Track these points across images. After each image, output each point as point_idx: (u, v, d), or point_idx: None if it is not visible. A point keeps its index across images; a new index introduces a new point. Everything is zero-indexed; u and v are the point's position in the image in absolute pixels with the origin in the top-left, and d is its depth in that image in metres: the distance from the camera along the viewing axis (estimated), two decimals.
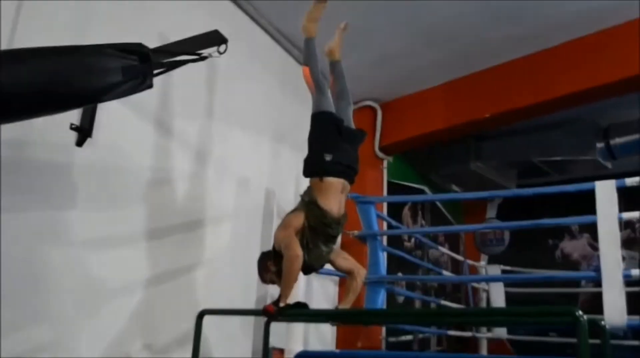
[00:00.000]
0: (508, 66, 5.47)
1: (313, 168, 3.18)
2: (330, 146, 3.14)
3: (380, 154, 6.33)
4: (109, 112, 3.17)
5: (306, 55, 3.47)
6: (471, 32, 5.03)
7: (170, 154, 3.79)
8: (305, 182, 3.23)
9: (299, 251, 2.91)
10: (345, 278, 3.42)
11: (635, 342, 6.05)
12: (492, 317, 3.61)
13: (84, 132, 3.01)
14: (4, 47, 2.64)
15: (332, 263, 3.25)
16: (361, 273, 3.26)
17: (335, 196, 3.09)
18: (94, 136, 3.08)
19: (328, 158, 3.10)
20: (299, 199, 3.20)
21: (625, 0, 4.49)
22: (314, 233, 3.03)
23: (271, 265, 3.12)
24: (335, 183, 3.10)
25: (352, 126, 3.38)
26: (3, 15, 2.68)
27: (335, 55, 3.59)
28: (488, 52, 5.36)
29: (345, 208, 3.20)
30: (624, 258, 4.16)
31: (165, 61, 2.55)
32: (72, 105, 2.38)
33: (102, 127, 3.15)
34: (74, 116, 2.98)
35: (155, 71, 2.41)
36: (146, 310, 3.41)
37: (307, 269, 3.16)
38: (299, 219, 3.04)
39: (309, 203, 3.07)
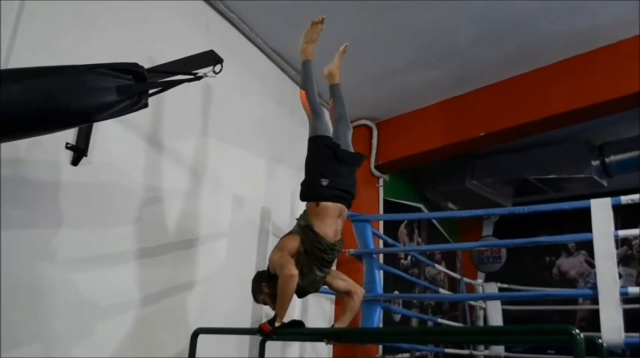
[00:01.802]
0: (503, 84, 5.50)
1: (309, 192, 3.17)
2: (327, 170, 3.14)
3: (376, 173, 6.34)
4: (104, 131, 3.18)
5: (303, 78, 3.46)
6: (466, 51, 5.06)
7: (166, 173, 3.78)
8: (302, 203, 3.23)
9: (293, 271, 2.90)
10: (342, 296, 3.41)
11: None
12: (489, 335, 3.60)
13: (79, 151, 3.02)
14: (6, 40, 2.66)
15: (329, 285, 3.23)
16: (359, 292, 3.25)
17: (331, 221, 3.08)
18: (89, 155, 3.08)
19: (324, 183, 3.09)
20: (294, 218, 3.21)
21: (617, 20, 4.53)
22: (308, 257, 3.02)
23: (265, 287, 3.11)
24: (332, 208, 3.09)
25: (351, 149, 3.37)
26: (5, 10, 2.70)
27: (335, 78, 3.60)
28: (483, 71, 5.39)
29: (343, 232, 3.19)
30: (620, 276, 4.17)
31: (160, 80, 2.56)
32: (68, 124, 2.39)
33: (98, 146, 3.16)
34: (70, 135, 2.99)
35: (151, 91, 2.41)
36: (141, 329, 3.39)
37: (301, 293, 3.15)
38: (295, 243, 3.04)
39: (304, 228, 3.06)
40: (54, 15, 3.03)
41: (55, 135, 2.56)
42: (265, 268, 3.18)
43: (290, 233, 3.15)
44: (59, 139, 2.90)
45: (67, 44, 3.07)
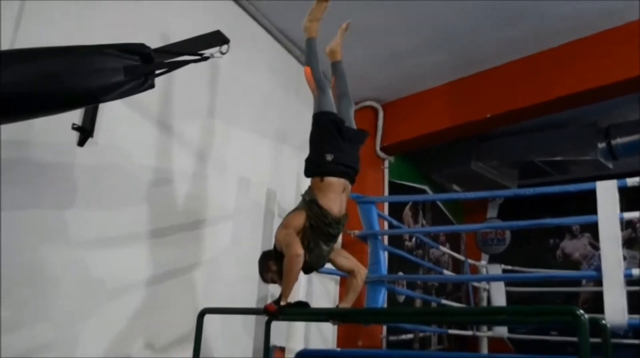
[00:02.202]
0: (509, 66, 5.48)
1: (314, 168, 3.19)
2: (331, 146, 3.15)
3: (382, 154, 6.34)
4: (110, 112, 3.18)
5: (307, 55, 3.49)
6: (473, 33, 5.03)
7: (171, 154, 3.79)
8: (306, 182, 3.24)
9: (299, 250, 2.92)
10: (346, 277, 3.43)
11: (636, 341, 6.05)
12: (492, 315, 3.62)
13: (85, 132, 3.02)
14: (7, 40, 2.66)
15: (333, 262, 3.25)
16: (362, 272, 3.27)
17: (336, 196, 3.10)
18: (95, 136, 3.09)
19: (329, 158, 3.11)
20: (299, 199, 3.22)
21: (625, 1, 4.49)
22: (314, 232, 3.04)
23: (272, 265, 3.13)
24: (336, 183, 3.11)
25: (354, 126, 3.39)
26: (6, 9, 2.69)
27: (337, 55, 3.60)
28: (489, 53, 5.36)
29: (347, 208, 3.21)
30: (624, 258, 4.17)
31: (167, 61, 2.56)
32: (74, 105, 2.39)
33: (104, 127, 3.16)
34: (76, 115, 3.00)
35: (157, 71, 2.41)
36: (147, 310, 3.42)
37: (308, 268, 3.17)
38: (300, 219, 3.05)
39: (309, 203, 3.08)
40: (55, 8, 3.01)
41: (61, 116, 2.56)
42: (271, 248, 3.20)
43: (296, 209, 3.17)
44: (65, 120, 2.91)
45: (70, 27, 3.06)
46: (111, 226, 3.25)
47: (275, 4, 4.64)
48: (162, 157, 3.70)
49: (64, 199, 2.99)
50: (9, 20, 2.72)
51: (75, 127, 2.98)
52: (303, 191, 3.23)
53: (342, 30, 3.62)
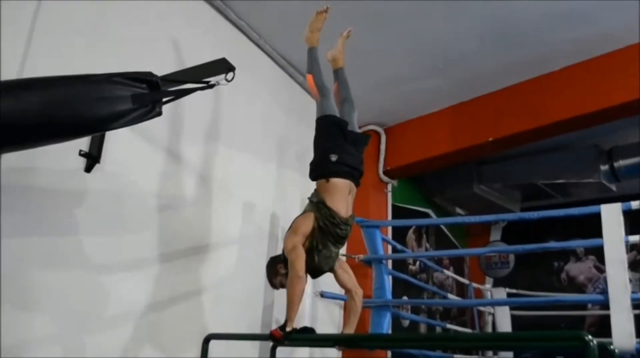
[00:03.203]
0: (510, 90, 5.51)
1: (319, 169, 3.25)
2: (335, 147, 3.23)
3: (385, 178, 6.34)
4: (117, 138, 3.20)
5: (309, 63, 3.58)
6: (473, 58, 5.08)
7: (177, 180, 3.81)
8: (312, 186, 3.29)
9: (301, 272, 2.95)
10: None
11: None
12: (499, 341, 3.59)
13: (92, 158, 3.04)
14: (14, 70, 2.70)
15: (335, 274, 3.30)
16: (359, 293, 3.30)
17: (342, 197, 3.16)
18: (102, 163, 3.11)
19: (333, 158, 3.18)
20: (307, 201, 3.26)
21: (624, 26, 4.53)
22: (323, 233, 3.09)
23: (281, 268, 3.17)
24: (342, 184, 3.17)
25: (357, 130, 3.47)
26: (14, 38, 2.74)
27: (339, 62, 3.68)
28: (490, 77, 5.40)
29: (353, 214, 3.26)
30: (630, 281, 4.16)
31: (173, 89, 2.58)
32: (82, 133, 2.42)
33: (110, 153, 3.19)
34: (83, 142, 3.02)
35: (164, 99, 2.44)
36: (152, 335, 3.41)
37: (316, 271, 3.19)
38: (309, 223, 3.10)
39: (317, 204, 3.13)
40: (67, 23, 3.06)
41: (68, 143, 2.58)
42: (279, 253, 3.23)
43: (304, 212, 3.20)
44: (72, 147, 2.93)
45: (79, 52, 3.10)
46: (117, 252, 3.25)
47: (277, 30, 4.69)
48: (167, 183, 3.72)
49: (70, 225, 3.00)
50: (17, 49, 2.76)
51: (82, 154, 3.00)
52: (309, 195, 3.27)
53: (342, 37, 3.71)
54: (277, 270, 3.21)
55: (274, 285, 3.30)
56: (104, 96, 2.18)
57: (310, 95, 3.50)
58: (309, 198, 3.26)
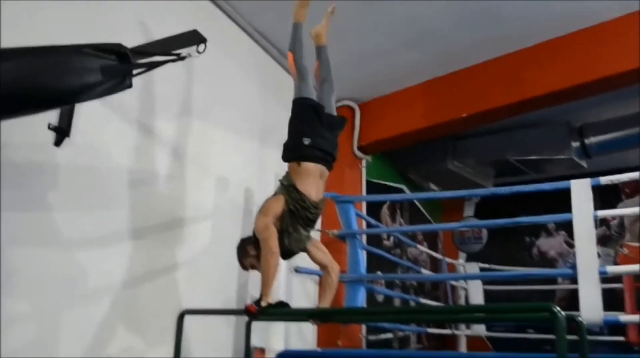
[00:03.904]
0: (485, 66, 5.53)
1: (291, 152, 3.25)
2: (309, 131, 3.21)
3: (359, 154, 6.34)
4: (87, 112, 3.14)
5: (292, 40, 3.52)
6: (449, 33, 5.07)
7: (150, 155, 3.77)
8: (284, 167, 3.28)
9: (275, 248, 2.96)
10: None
11: (611, 338, 6.16)
12: (470, 313, 3.65)
13: (62, 132, 2.97)
14: None
15: (308, 253, 3.30)
16: (335, 269, 3.31)
17: (313, 181, 3.16)
18: (72, 137, 3.05)
19: (306, 142, 3.17)
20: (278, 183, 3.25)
21: (599, 2, 4.56)
22: (293, 217, 3.09)
23: (251, 249, 3.18)
24: (313, 168, 3.17)
25: (334, 112, 3.46)
26: None
27: (322, 39, 3.63)
28: (465, 52, 5.40)
29: (324, 198, 3.27)
30: (599, 256, 4.23)
31: (144, 61, 2.54)
32: (51, 105, 2.36)
33: (81, 127, 3.12)
34: (52, 116, 2.95)
35: (135, 71, 2.39)
36: (127, 310, 3.39)
37: (288, 253, 3.20)
38: (279, 205, 3.09)
39: (288, 187, 3.13)
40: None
41: (37, 116, 2.53)
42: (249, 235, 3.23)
43: (274, 194, 3.19)
44: (41, 121, 2.86)
45: (47, 23, 3.02)
46: (89, 227, 3.22)
47: (252, 4, 4.62)
48: (140, 157, 3.68)
49: (41, 200, 2.95)
50: None
51: (51, 128, 2.93)
52: (281, 177, 3.26)
53: (327, 14, 3.65)
54: (248, 252, 3.21)
55: (245, 266, 3.30)
56: (73, 67, 2.14)
57: (289, 73, 3.45)
58: (280, 180, 3.25)
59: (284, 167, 3.35)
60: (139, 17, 3.72)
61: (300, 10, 3.52)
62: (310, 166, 3.16)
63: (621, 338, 6.08)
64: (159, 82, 3.74)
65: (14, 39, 2.34)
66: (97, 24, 3.34)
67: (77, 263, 3.10)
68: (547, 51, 5.14)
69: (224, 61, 4.52)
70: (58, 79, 2.12)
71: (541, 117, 6.39)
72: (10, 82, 2.01)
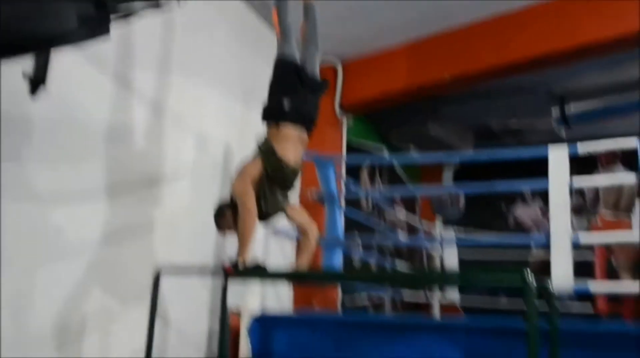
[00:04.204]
0: (470, 27, 5.50)
1: (271, 113, 3.20)
2: (290, 93, 3.17)
3: (340, 114, 6.27)
4: (64, 63, 3.05)
5: None
6: None
7: (128, 108, 3.69)
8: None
9: (252, 206, 2.96)
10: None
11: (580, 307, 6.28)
12: (445, 279, 3.69)
13: (37, 81, 2.89)
14: None
15: (287, 215, 3.28)
16: (314, 231, 3.31)
17: (291, 145, 3.13)
18: (48, 87, 2.96)
19: (286, 104, 3.12)
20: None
21: None
22: (271, 181, 3.08)
23: (228, 213, 3.14)
24: (292, 132, 3.13)
25: (317, 72, 3.38)
26: None
27: None
28: (451, 12, 5.34)
29: (302, 163, 3.24)
30: (572, 225, 4.28)
31: (122, 6, 2.45)
32: (25, 51, 2.28)
33: (57, 78, 3.03)
34: (26, 64, 2.87)
35: (112, 17, 2.31)
36: (103, 267, 3.37)
37: (265, 216, 3.18)
38: (256, 168, 3.07)
39: (266, 152, 3.10)
40: None
41: (11, 65, 2.45)
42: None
43: (252, 158, 3.16)
44: (15, 69, 2.78)
45: None
46: (64, 182, 3.17)
47: None
48: (117, 111, 3.60)
49: (13, 152, 2.88)
50: None
51: (26, 76, 2.85)
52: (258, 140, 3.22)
53: None
54: (225, 215, 3.18)
55: (221, 227, 3.27)
56: (47, 12, 2.05)
57: (274, 30, 3.38)
58: (257, 145, 3.20)
59: (264, 126, 3.31)
60: None
61: None
62: (289, 130, 3.12)
63: (590, 309, 6.19)
64: (137, 35, 3.65)
65: None
66: None
67: (51, 219, 3.05)
68: (532, 15, 5.11)
69: (206, 16, 4.43)
70: (33, 24, 2.04)
71: (523, 84, 6.39)
72: None
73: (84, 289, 3.24)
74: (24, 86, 2.83)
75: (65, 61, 2.99)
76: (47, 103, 2.97)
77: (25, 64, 2.80)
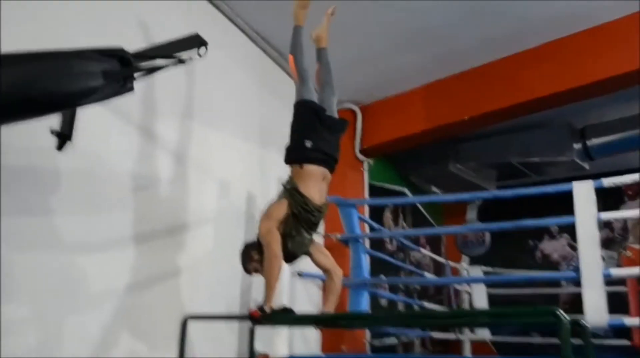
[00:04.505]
0: (486, 68, 5.53)
1: (293, 155, 3.25)
2: (311, 133, 3.21)
3: (361, 157, 6.34)
4: (89, 117, 3.13)
5: (293, 43, 3.52)
6: (450, 34, 5.06)
7: (151, 158, 3.76)
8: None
9: (278, 252, 2.96)
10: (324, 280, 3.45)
11: (617, 342, 6.12)
12: (475, 317, 3.63)
13: (64, 136, 2.97)
14: None
15: (311, 257, 3.29)
16: (338, 273, 3.30)
17: (316, 184, 3.16)
18: (74, 141, 3.04)
19: (308, 144, 3.17)
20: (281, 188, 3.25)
21: (600, 1, 4.56)
22: (296, 220, 3.09)
23: (255, 254, 3.16)
24: (316, 171, 3.16)
25: (336, 115, 3.44)
26: None
27: (322, 42, 3.63)
28: (467, 54, 5.40)
29: (327, 201, 3.27)
30: (603, 259, 4.21)
31: (145, 64, 2.53)
32: (52, 110, 2.35)
33: (83, 132, 3.11)
34: (54, 120, 2.95)
35: (136, 75, 2.39)
36: (129, 315, 3.38)
37: (290, 256, 3.19)
38: (282, 209, 3.08)
39: (290, 190, 3.12)
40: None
41: (39, 121, 2.52)
42: (253, 240, 3.23)
43: (278, 198, 3.19)
44: (43, 125, 2.86)
45: (48, 28, 3.02)
46: (91, 232, 3.21)
47: (251, 5, 4.62)
48: (142, 161, 3.67)
49: (43, 205, 2.94)
50: None
51: (53, 132, 2.93)
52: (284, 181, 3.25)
53: (327, 15, 3.65)
54: (251, 256, 3.20)
55: (248, 271, 3.29)
56: (74, 71, 2.12)
57: (290, 76, 3.45)
58: (282, 184, 3.24)
59: (286, 171, 3.35)
60: (135, 18, 3.71)
61: (299, 13, 3.52)
62: (313, 169, 3.16)
63: (627, 342, 6.04)
64: (159, 85, 3.73)
65: (15, 43, 2.34)
66: (97, 27, 3.33)
67: (79, 268, 3.08)
68: (548, 52, 5.13)
69: (224, 63, 4.52)
70: (60, 83, 2.11)
71: (543, 119, 6.38)
72: (11, 87, 2.00)
73: (111, 336, 3.24)
74: (52, 141, 2.92)
75: (90, 114, 3.07)
76: (73, 155, 3.04)
77: (52, 120, 2.90)
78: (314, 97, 3.40)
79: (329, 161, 3.23)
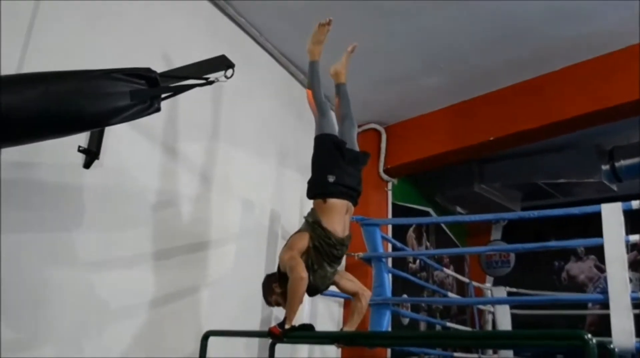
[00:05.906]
0: (511, 89, 5.50)
1: (316, 189, 3.21)
2: (333, 167, 3.18)
3: (385, 177, 6.34)
4: (116, 134, 3.20)
5: (310, 78, 3.53)
6: (474, 56, 5.06)
7: (176, 176, 3.81)
8: (309, 203, 3.26)
9: (303, 274, 2.91)
10: (350, 299, 3.42)
11: None
12: (499, 340, 3.58)
13: (91, 154, 3.03)
14: (13, 64, 2.69)
15: (337, 285, 3.25)
16: (366, 294, 3.27)
17: (339, 217, 3.12)
18: (101, 159, 3.10)
19: (331, 179, 3.13)
20: (303, 220, 3.23)
21: (626, 25, 4.52)
22: (318, 253, 3.05)
23: (276, 287, 3.13)
24: (339, 204, 3.13)
25: (356, 147, 3.42)
26: (13, 32, 2.73)
27: (341, 78, 3.63)
28: (492, 76, 5.38)
29: (350, 229, 3.23)
30: (630, 280, 4.14)
31: (172, 85, 2.58)
32: (81, 128, 2.41)
33: (110, 149, 3.18)
34: (82, 138, 3.01)
35: (163, 95, 2.43)
36: (151, 331, 3.40)
37: (313, 290, 3.16)
38: (304, 241, 3.05)
39: (313, 224, 3.09)
40: (66, 19, 3.06)
41: (67, 138, 2.58)
42: (275, 270, 3.20)
43: (299, 230, 3.18)
44: (71, 143, 2.92)
45: (78, 46, 3.10)
46: (115, 248, 3.25)
47: (277, 27, 4.69)
48: (166, 179, 3.72)
49: (69, 221, 3.00)
50: (17, 44, 2.76)
51: (81, 150, 2.99)
52: (306, 213, 3.24)
53: (347, 53, 3.65)
54: (273, 289, 3.16)
55: (270, 303, 3.25)
56: (102, 91, 2.17)
57: (310, 110, 3.47)
58: (305, 217, 3.22)
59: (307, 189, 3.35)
60: (163, 40, 3.79)
61: (313, 49, 3.50)
62: (336, 203, 3.12)
63: None
64: (183, 104, 3.79)
65: (44, 64, 2.40)
66: (122, 48, 3.40)
67: (103, 284, 3.12)
68: (574, 73, 5.10)
69: (248, 84, 4.57)
70: (88, 102, 2.16)
71: (570, 140, 6.32)
72: (42, 105, 2.06)
73: (133, 352, 3.26)
74: (78, 159, 2.99)
75: (116, 132, 3.14)
76: (99, 172, 3.10)
77: (80, 138, 2.97)
78: (335, 129, 3.39)
79: (352, 194, 3.20)
